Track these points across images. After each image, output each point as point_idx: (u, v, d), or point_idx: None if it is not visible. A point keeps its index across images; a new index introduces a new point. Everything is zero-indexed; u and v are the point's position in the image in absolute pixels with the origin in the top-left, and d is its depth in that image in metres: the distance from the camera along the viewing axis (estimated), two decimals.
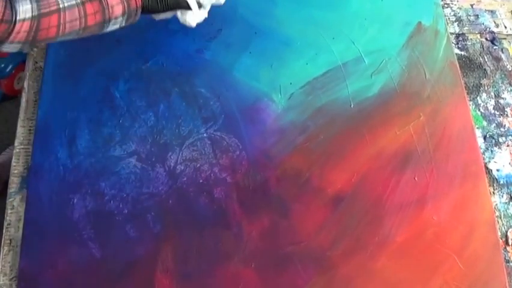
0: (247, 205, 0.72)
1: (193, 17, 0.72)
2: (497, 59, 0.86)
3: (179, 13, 0.71)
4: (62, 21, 0.59)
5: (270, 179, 0.73)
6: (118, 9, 0.63)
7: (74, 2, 0.60)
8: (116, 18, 0.64)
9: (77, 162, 0.74)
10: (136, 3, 0.65)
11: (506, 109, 0.82)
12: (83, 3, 0.60)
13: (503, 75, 0.85)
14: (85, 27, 0.62)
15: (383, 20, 0.85)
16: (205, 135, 0.76)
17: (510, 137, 0.80)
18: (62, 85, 0.80)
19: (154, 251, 0.70)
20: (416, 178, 0.73)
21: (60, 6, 0.59)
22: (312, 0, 0.87)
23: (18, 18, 0.55)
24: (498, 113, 0.82)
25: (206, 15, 0.73)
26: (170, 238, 0.70)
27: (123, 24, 0.66)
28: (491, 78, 0.85)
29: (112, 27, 0.66)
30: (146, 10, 0.67)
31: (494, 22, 0.90)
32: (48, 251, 0.70)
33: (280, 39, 0.83)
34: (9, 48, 0.58)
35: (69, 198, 0.72)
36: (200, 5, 0.72)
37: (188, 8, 0.70)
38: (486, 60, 0.86)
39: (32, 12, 0.56)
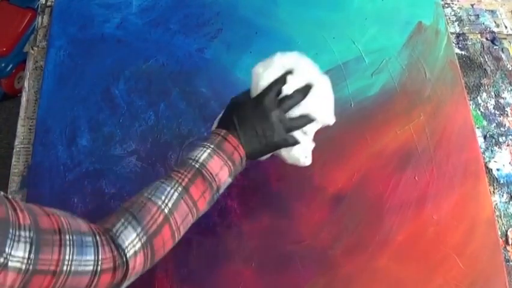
0: (247, 204, 0.72)
1: (302, 149, 0.60)
2: (498, 59, 0.86)
3: (284, 152, 0.60)
4: (175, 227, 0.50)
5: (271, 179, 0.73)
6: (223, 174, 0.54)
7: (176, 195, 0.50)
8: (224, 182, 0.55)
9: (77, 162, 0.74)
10: (240, 155, 0.55)
11: (506, 109, 0.82)
12: (186, 190, 0.51)
13: (503, 75, 0.85)
14: (197, 214, 0.53)
15: (383, 20, 0.85)
16: (205, 134, 0.76)
17: (510, 137, 0.80)
18: (62, 84, 0.81)
19: None
20: (416, 177, 0.73)
21: (166, 211, 0.49)
22: (312, 0, 0.87)
23: (128, 256, 0.46)
24: (498, 112, 0.82)
25: (313, 143, 0.62)
26: None
27: (230, 183, 0.57)
28: (491, 78, 0.85)
29: (220, 192, 0.56)
30: (250, 157, 0.57)
31: (495, 22, 0.90)
32: None
33: (281, 38, 0.83)
34: (125, 285, 0.49)
35: (69, 198, 0.72)
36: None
37: (293, 144, 0.59)
38: (486, 60, 0.86)
39: (140, 239, 0.47)
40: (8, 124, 1.60)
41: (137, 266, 0.48)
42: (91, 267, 0.43)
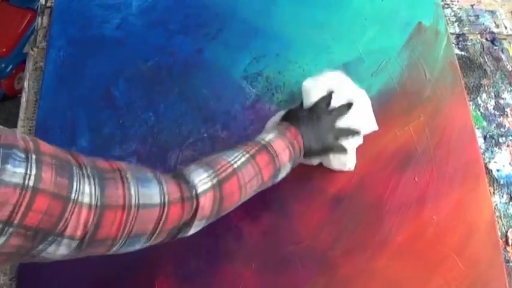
0: (247, 205, 0.72)
1: (349, 156, 0.69)
2: (497, 59, 0.86)
3: (332, 157, 0.68)
4: (242, 182, 0.52)
5: None
6: (285, 155, 0.58)
7: (244, 159, 0.54)
8: (284, 164, 0.58)
9: None
10: (298, 144, 0.60)
11: (506, 109, 0.82)
12: (253, 157, 0.54)
13: (503, 76, 0.85)
14: (261, 183, 0.56)
15: (383, 20, 0.85)
16: (205, 135, 0.76)
17: (510, 137, 0.80)
18: (62, 85, 0.81)
19: (154, 251, 0.69)
20: (416, 178, 0.73)
21: (235, 166, 0.52)
22: (312, 0, 0.87)
23: (198, 191, 0.47)
24: (498, 113, 0.82)
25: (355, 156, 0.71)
26: None
27: (289, 170, 0.61)
28: (491, 78, 0.85)
29: (280, 176, 0.59)
30: (306, 151, 0.62)
31: (495, 22, 0.90)
32: None
33: (280, 39, 0.83)
34: (194, 228, 0.50)
35: None
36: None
37: (341, 152, 0.67)
38: (486, 60, 0.86)
39: (211, 180, 0.49)
40: (8, 125, 1.59)
41: (207, 205, 0.48)
42: (158, 200, 0.44)
